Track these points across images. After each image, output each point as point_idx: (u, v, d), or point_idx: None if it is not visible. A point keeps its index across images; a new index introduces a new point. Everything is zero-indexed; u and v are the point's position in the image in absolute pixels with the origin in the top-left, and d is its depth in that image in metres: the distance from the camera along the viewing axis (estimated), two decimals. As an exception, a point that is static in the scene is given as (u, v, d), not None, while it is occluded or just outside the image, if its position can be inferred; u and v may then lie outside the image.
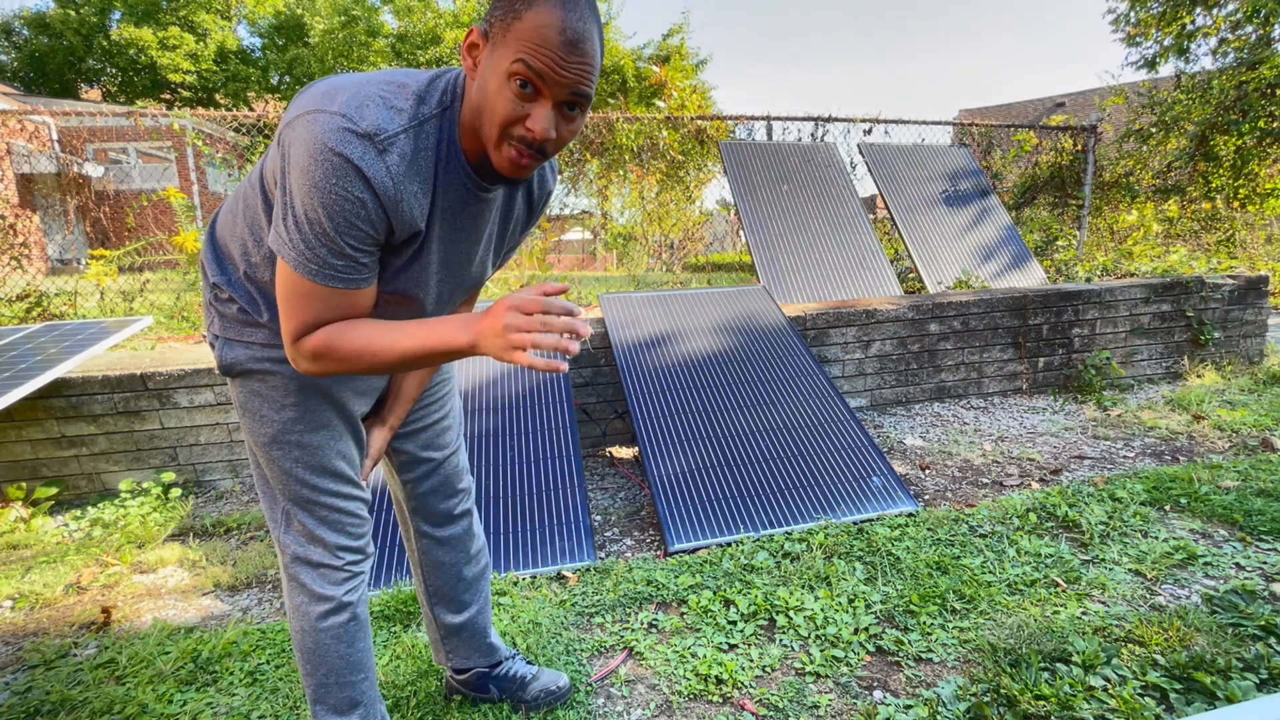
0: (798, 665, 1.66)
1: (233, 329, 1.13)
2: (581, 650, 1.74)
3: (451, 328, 0.95)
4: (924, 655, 1.68)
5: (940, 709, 1.48)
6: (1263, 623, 1.69)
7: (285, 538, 1.19)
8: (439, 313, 1.15)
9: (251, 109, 6.12)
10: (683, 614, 1.88)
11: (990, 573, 2.02)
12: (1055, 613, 1.80)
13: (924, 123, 6.28)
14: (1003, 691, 1.49)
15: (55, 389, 2.78)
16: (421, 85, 0.96)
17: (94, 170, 10.47)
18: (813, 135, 6.15)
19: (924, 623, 1.78)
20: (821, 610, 1.85)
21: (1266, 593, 1.86)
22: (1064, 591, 1.91)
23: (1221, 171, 7.22)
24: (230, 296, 1.12)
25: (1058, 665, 1.59)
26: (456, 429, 1.42)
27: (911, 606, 1.85)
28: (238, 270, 1.11)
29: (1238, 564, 2.04)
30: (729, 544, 2.25)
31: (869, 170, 5.49)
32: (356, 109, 0.89)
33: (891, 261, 5.62)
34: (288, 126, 0.90)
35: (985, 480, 2.84)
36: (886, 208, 5.34)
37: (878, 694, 1.56)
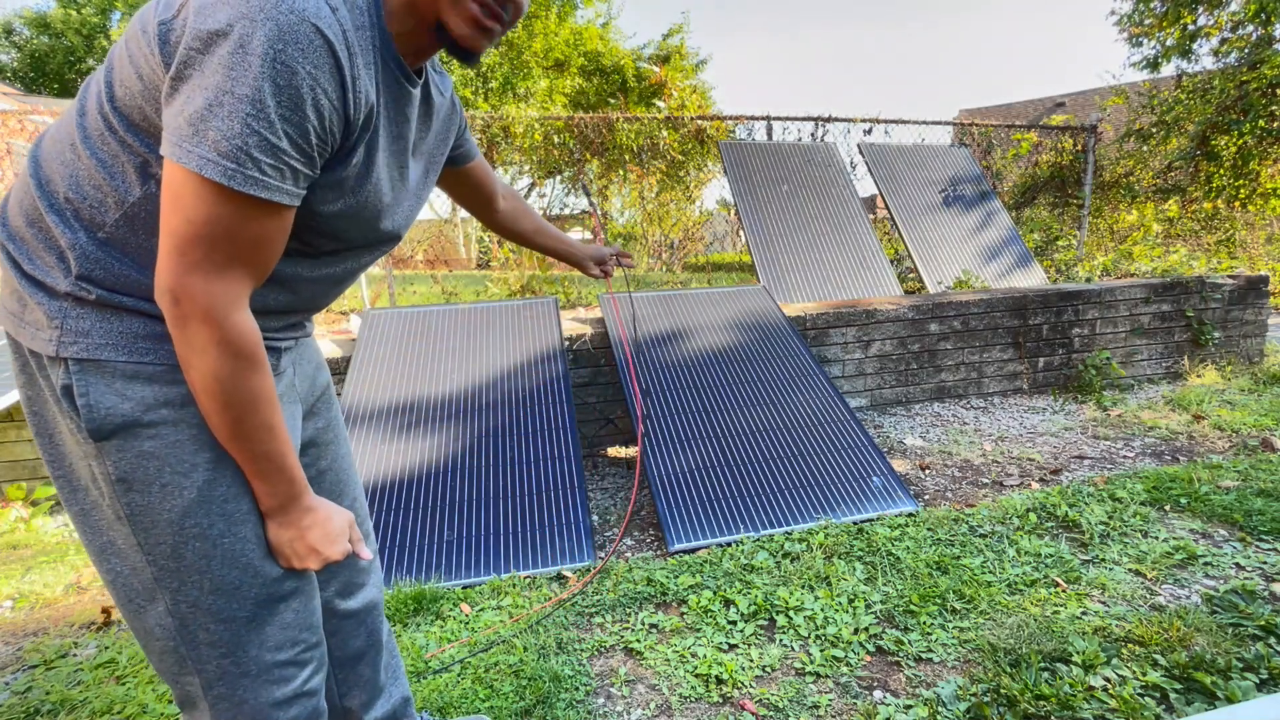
0: (798, 665, 1.66)
1: (111, 346, 0.75)
2: (581, 650, 1.74)
3: (297, 486, 0.83)
4: (924, 655, 1.68)
5: (940, 709, 1.48)
6: (1263, 623, 1.69)
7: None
8: (394, 239, 0.94)
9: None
10: (683, 614, 1.88)
11: (990, 573, 2.02)
12: (1055, 613, 1.80)
13: (924, 123, 6.27)
14: (1003, 691, 1.49)
15: (55, 389, 2.77)
16: None
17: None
18: (813, 135, 6.15)
19: (924, 623, 1.78)
20: (821, 610, 1.85)
21: (1266, 593, 1.86)
22: (1064, 591, 1.91)
23: (1222, 171, 7.22)
24: (112, 282, 0.75)
25: (1058, 665, 1.58)
26: (351, 456, 1.15)
27: (911, 606, 1.85)
28: (88, 229, 0.75)
29: (1238, 564, 2.04)
30: (729, 544, 2.25)
31: (869, 170, 5.49)
32: None
33: (892, 261, 5.63)
34: (189, 9, 0.68)
35: (985, 480, 2.84)
36: (886, 208, 5.34)
37: (878, 694, 1.56)
